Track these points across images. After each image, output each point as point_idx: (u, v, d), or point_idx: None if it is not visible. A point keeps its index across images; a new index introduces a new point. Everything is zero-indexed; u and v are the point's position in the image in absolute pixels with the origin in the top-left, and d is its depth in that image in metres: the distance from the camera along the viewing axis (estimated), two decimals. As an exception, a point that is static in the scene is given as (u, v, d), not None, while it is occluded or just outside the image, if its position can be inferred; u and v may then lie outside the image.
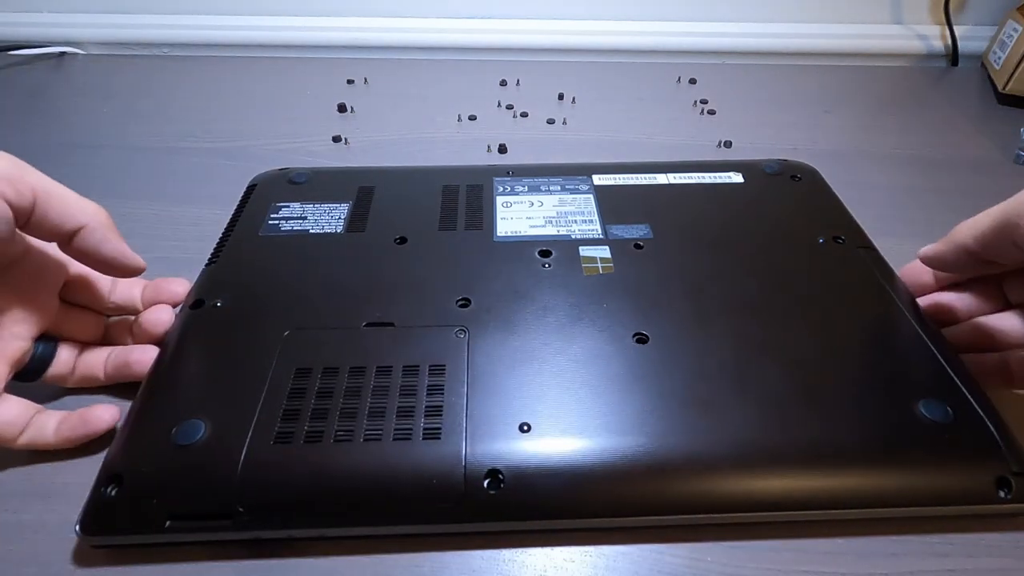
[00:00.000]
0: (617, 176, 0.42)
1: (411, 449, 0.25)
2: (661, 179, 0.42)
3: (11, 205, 0.24)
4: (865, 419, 0.27)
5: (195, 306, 0.32)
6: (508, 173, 0.42)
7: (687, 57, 0.69)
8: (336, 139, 0.53)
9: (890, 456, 0.26)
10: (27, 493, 0.27)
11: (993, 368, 0.30)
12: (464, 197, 0.40)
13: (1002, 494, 0.25)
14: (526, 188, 0.41)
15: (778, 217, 0.39)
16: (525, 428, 0.26)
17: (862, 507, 0.25)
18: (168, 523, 0.24)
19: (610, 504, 0.25)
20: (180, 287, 0.33)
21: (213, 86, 0.62)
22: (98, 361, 0.30)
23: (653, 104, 0.60)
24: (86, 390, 0.31)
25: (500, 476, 0.24)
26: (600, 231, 0.37)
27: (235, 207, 0.40)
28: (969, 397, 0.27)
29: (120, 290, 0.32)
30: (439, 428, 0.26)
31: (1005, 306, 0.31)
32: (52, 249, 0.29)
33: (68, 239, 0.27)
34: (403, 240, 0.36)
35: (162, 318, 0.31)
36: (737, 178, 0.42)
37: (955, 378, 0.28)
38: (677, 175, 0.42)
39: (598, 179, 0.42)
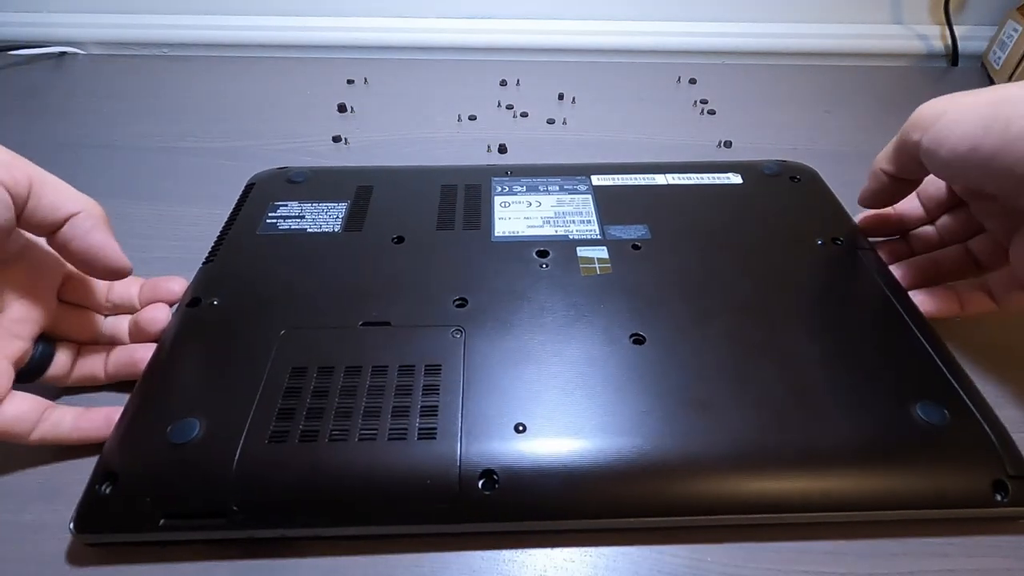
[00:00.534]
0: (616, 176, 0.42)
1: (406, 449, 0.25)
2: (660, 180, 0.42)
3: (8, 191, 0.24)
4: (862, 421, 0.27)
5: (192, 304, 0.32)
6: (506, 173, 0.42)
7: (687, 57, 0.69)
8: (336, 139, 0.53)
9: (886, 459, 0.26)
10: (26, 493, 0.27)
11: (940, 294, 0.33)
12: (462, 197, 0.40)
13: (999, 497, 0.25)
14: (524, 188, 0.41)
15: (776, 218, 0.38)
16: (520, 428, 0.26)
17: (859, 510, 0.25)
18: (162, 521, 0.24)
19: (606, 505, 0.25)
20: (177, 285, 0.33)
21: (213, 86, 0.62)
22: (97, 361, 0.30)
23: (653, 104, 0.60)
24: (85, 388, 0.31)
25: (495, 476, 0.24)
26: (598, 232, 0.37)
27: (234, 206, 0.40)
28: (966, 400, 0.27)
29: (118, 289, 0.32)
30: (434, 428, 0.26)
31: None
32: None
33: (57, 229, 0.26)
34: (400, 240, 0.36)
35: (159, 316, 0.31)
36: (736, 179, 0.42)
37: (952, 381, 0.28)
38: (676, 176, 0.42)
39: (596, 179, 0.42)
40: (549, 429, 0.26)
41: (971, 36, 0.67)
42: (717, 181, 0.42)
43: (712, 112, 0.58)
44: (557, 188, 0.41)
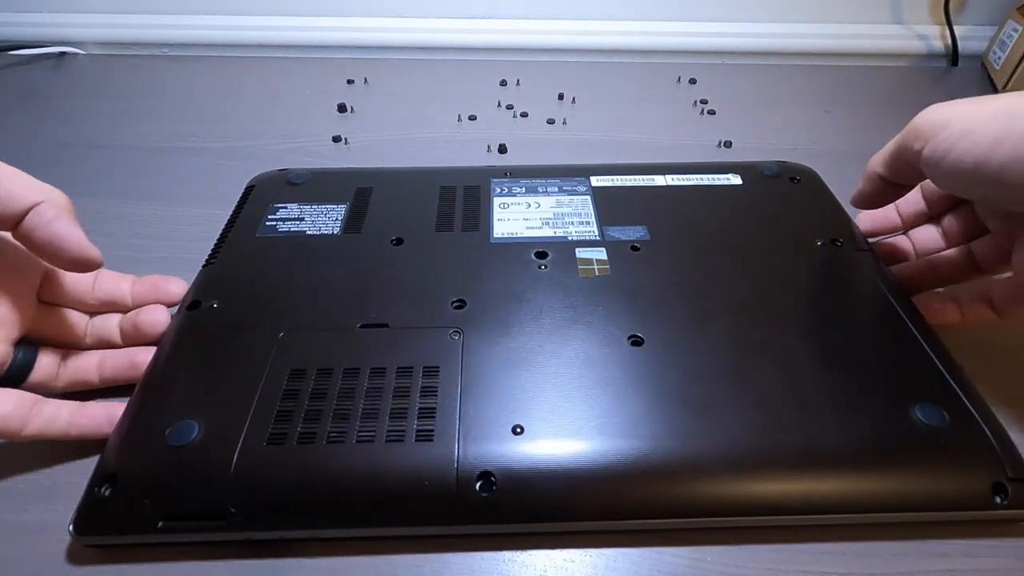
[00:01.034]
0: (615, 177, 0.42)
1: (403, 451, 0.25)
2: (659, 181, 0.42)
3: None
4: (861, 423, 0.26)
5: (192, 307, 0.32)
6: (506, 174, 0.42)
7: (687, 57, 0.69)
8: (336, 139, 0.53)
9: (885, 461, 0.25)
10: (25, 493, 0.27)
11: (941, 303, 0.33)
12: (461, 198, 0.40)
13: (998, 500, 0.25)
14: (523, 189, 0.41)
15: (776, 219, 0.38)
16: (518, 430, 0.26)
17: (858, 511, 0.25)
18: (161, 523, 0.24)
19: (604, 507, 0.25)
20: (177, 287, 0.32)
21: (213, 86, 0.62)
22: (89, 365, 0.29)
23: (653, 104, 0.60)
24: (80, 392, 0.30)
25: (492, 478, 0.24)
26: (597, 233, 0.37)
27: (233, 208, 0.40)
28: (966, 402, 0.27)
29: (105, 285, 0.31)
30: (432, 430, 0.26)
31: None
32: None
33: (19, 220, 0.25)
34: (399, 241, 0.36)
35: (159, 319, 0.30)
36: (735, 180, 0.42)
37: (952, 382, 0.28)
38: (675, 177, 0.42)
39: (596, 180, 0.42)
40: (547, 431, 0.26)
41: (971, 36, 0.67)
42: (716, 182, 0.42)
43: (712, 112, 0.58)
44: (556, 189, 0.41)
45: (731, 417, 0.26)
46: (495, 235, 0.37)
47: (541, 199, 0.40)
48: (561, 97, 0.60)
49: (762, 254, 0.35)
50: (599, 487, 0.25)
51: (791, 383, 0.28)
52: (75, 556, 0.25)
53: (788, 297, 0.33)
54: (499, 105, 0.59)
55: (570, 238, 0.36)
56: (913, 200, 0.36)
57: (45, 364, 0.28)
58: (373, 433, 0.25)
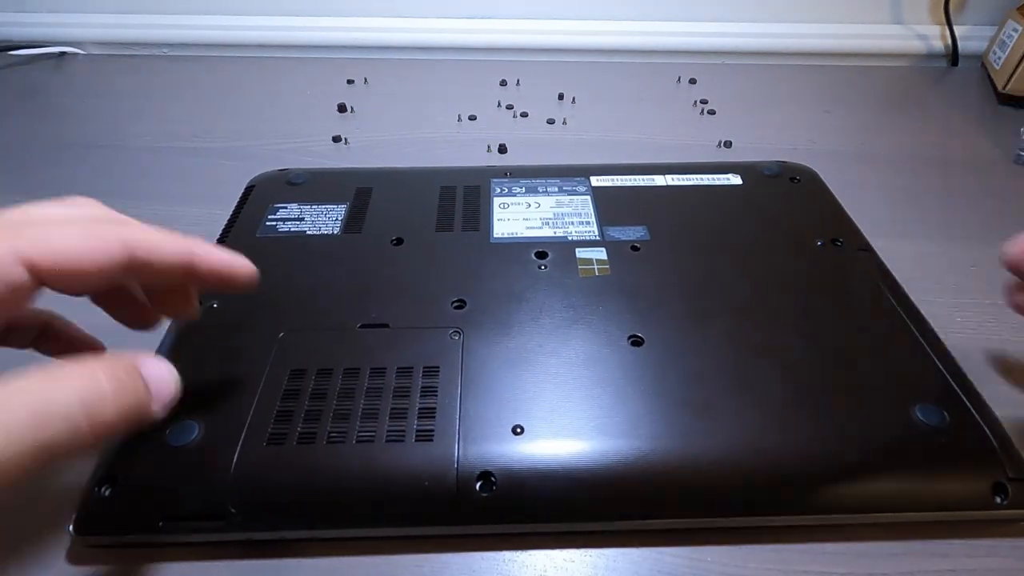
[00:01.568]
0: (615, 177, 0.42)
1: (403, 451, 0.25)
2: (659, 181, 0.42)
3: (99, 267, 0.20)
4: (861, 423, 0.26)
5: (191, 307, 0.32)
6: (506, 174, 0.42)
7: (687, 57, 0.69)
8: (336, 139, 0.53)
9: (885, 461, 0.25)
10: (26, 493, 0.27)
11: None
12: (461, 198, 0.40)
13: (998, 500, 0.25)
14: (523, 189, 0.41)
15: (776, 219, 0.38)
16: (518, 430, 0.26)
17: (858, 512, 0.25)
18: (161, 523, 0.24)
19: (604, 508, 0.25)
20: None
21: (213, 86, 0.62)
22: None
23: (653, 104, 0.60)
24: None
25: (492, 478, 0.24)
26: (597, 233, 0.37)
27: (233, 208, 0.40)
28: (966, 402, 0.27)
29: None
30: (432, 430, 0.26)
31: None
32: None
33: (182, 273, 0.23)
34: (399, 241, 0.36)
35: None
36: (735, 180, 0.42)
37: (952, 383, 0.28)
38: (675, 177, 0.42)
39: (596, 180, 0.42)
40: (547, 431, 0.26)
41: (971, 36, 0.67)
42: (716, 182, 0.42)
43: (712, 112, 0.58)
44: (556, 189, 0.41)
45: (731, 417, 0.26)
46: (495, 235, 0.37)
47: (541, 199, 0.40)
48: (561, 97, 0.60)
49: (762, 254, 0.35)
50: (599, 487, 0.25)
51: (791, 383, 0.28)
52: (75, 556, 0.25)
53: (788, 297, 0.33)
54: (499, 105, 0.59)
55: (570, 238, 0.36)
56: None
57: None
58: (373, 433, 0.25)
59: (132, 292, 0.26)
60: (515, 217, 0.38)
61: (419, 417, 0.26)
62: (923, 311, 0.32)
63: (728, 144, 0.52)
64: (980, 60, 0.66)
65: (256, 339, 0.30)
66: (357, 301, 0.32)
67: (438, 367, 0.28)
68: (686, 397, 0.27)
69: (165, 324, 0.32)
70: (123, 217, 0.23)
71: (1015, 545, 0.25)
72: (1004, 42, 0.61)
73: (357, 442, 0.25)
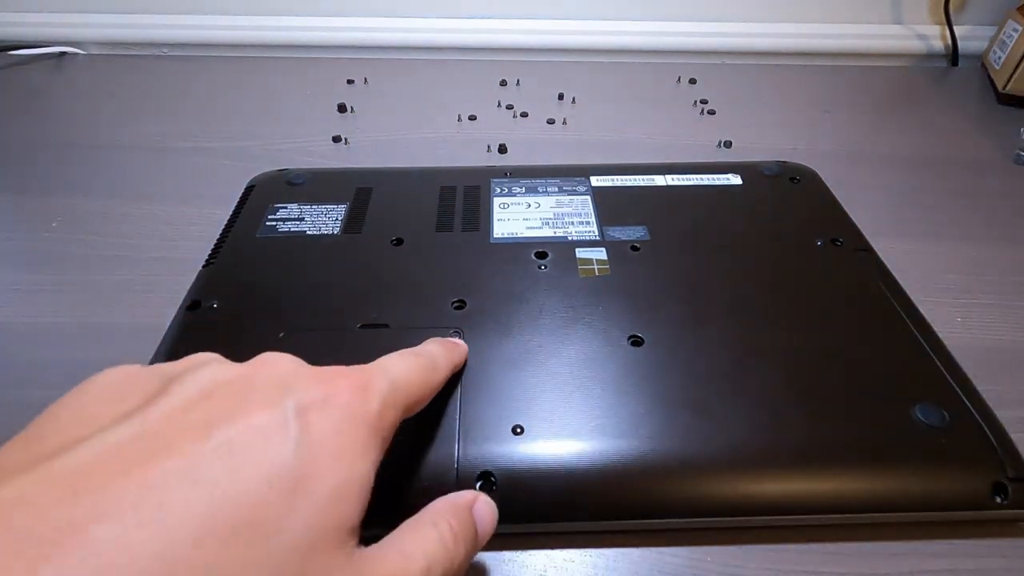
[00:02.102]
0: (615, 177, 0.42)
1: (403, 451, 0.25)
2: (659, 181, 0.42)
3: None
4: (861, 423, 0.26)
5: (192, 307, 0.32)
6: (506, 174, 0.42)
7: (687, 57, 0.69)
8: (336, 139, 0.53)
9: (885, 461, 0.25)
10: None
11: None
12: (461, 198, 0.40)
13: (998, 499, 0.25)
14: (523, 189, 0.41)
15: (776, 219, 0.38)
16: (518, 430, 0.26)
17: (858, 512, 0.25)
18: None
19: (604, 508, 0.25)
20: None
21: (213, 86, 0.62)
22: None
23: (653, 104, 0.60)
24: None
25: (492, 479, 0.24)
26: (597, 233, 0.37)
27: (233, 208, 0.40)
28: (966, 401, 0.27)
29: None
30: (431, 430, 0.26)
31: None
32: None
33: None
34: (399, 241, 0.36)
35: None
36: (735, 180, 0.42)
37: (952, 382, 0.28)
38: (675, 177, 0.42)
39: (596, 180, 0.42)
40: (547, 431, 0.26)
41: (971, 36, 0.67)
42: (716, 182, 0.42)
43: (712, 112, 0.58)
44: (556, 189, 0.41)
45: (731, 417, 0.26)
46: (495, 235, 0.37)
47: (541, 199, 0.40)
48: (561, 97, 0.60)
49: (762, 254, 0.35)
50: (600, 487, 0.25)
51: (791, 383, 0.28)
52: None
53: (788, 297, 0.33)
54: (499, 105, 0.59)
55: (570, 238, 0.36)
56: None
57: None
58: (373, 433, 0.25)
59: None
60: (515, 217, 0.38)
61: (419, 417, 0.26)
62: (923, 311, 0.32)
63: (728, 144, 0.52)
64: (980, 60, 0.66)
65: (257, 339, 0.30)
66: (357, 301, 0.32)
67: (438, 367, 0.28)
68: (686, 397, 0.27)
69: (165, 324, 0.32)
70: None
71: (1015, 545, 0.25)
72: (1004, 42, 0.61)
73: (357, 442, 0.25)
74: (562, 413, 0.27)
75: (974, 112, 0.58)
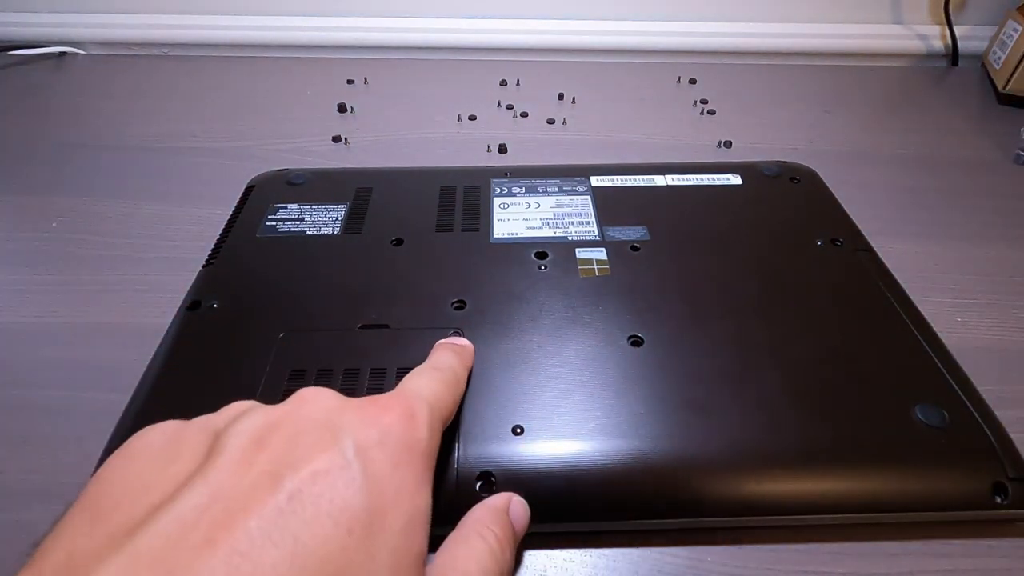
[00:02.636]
0: (615, 178, 0.42)
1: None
2: (659, 181, 0.42)
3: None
4: (861, 423, 0.27)
5: (192, 307, 0.32)
6: (506, 174, 0.42)
7: (687, 57, 0.69)
8: (336, 139, 0.53)
9: (885, 461, 0.25)
10: (25, 493, 0.27)
11: None
12: (461, 199, 0.40)
13: (998, 499, 0.25)
14: (523, 189, 0.41)
15: (776, 219, 0.38)
16: (518, 431, 0.26)
17: (858, 512, 0.25)
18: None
19: (604, 508, 0.25)
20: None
21: (213, 86, 0.62)
22: None
23: (653, 104, 0.60)
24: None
25: (492, 479, 0.24)
26: (597, 233, 0.37)
27: (233, 208, 0.40)
28: (966, 401, 0.27)
29: None
30: (432, 430, 0.26)
31: None
32: None
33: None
34: (399, 242, 0.36)
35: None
36: (735, 180, 0.42)
37: (952, 382, 0.28)
38: (675, 177, 0.42)
39: (595, 180, 0.42)
40: (547, 431, 0.26)
41: (971, 36, 0.67)
42: (716, 182, 0.42)
43: (712, 112, 0.58)
44: (556, 189, 0.41)
45: (731, 417, 0.26)
46: (495, 235, 0.37)
47: (541, 199, 0.40)
48: (561, 97, 0.60)
49: (762, 254, 0.35)
50: (600, 487, 0.25)
51: (791, 383, 0.28)
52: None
53: (788, 297, 0.33)
54: (499, 105, 0.59)
55: (570, 238, 0.36)
56: None
57: None
58: (373, 433, 0.25)
59: None
60: (515, 217, 0.38)
61: (419, 417, 0.26)
62: (923, 311, 0.32)
63: (728, 144, 0.52)
64: (980, 60, 0.66)
65: (256, 339, 0.30)
66: (357, 301, 0.32)
67: (438, 367, 0.28)
68: (686, 397, 0.27)
69: (165, 324, 0.32)
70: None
71: (1015, 545, 0.25)
72: (1004, 42, 0.61)
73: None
74: (562, 413, 0.27)
75: (974, 112, 0.58)
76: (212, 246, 0.36)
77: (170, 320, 0.32)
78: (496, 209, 0.39)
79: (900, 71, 0.67)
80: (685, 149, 0.52)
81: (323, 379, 0.28)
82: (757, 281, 0.33)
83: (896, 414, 0.27)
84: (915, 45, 0.68)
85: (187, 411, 0.26)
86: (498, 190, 0.41)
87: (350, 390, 0.27)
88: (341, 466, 0.18)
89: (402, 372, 0.28)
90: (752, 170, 0.43)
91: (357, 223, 0.38)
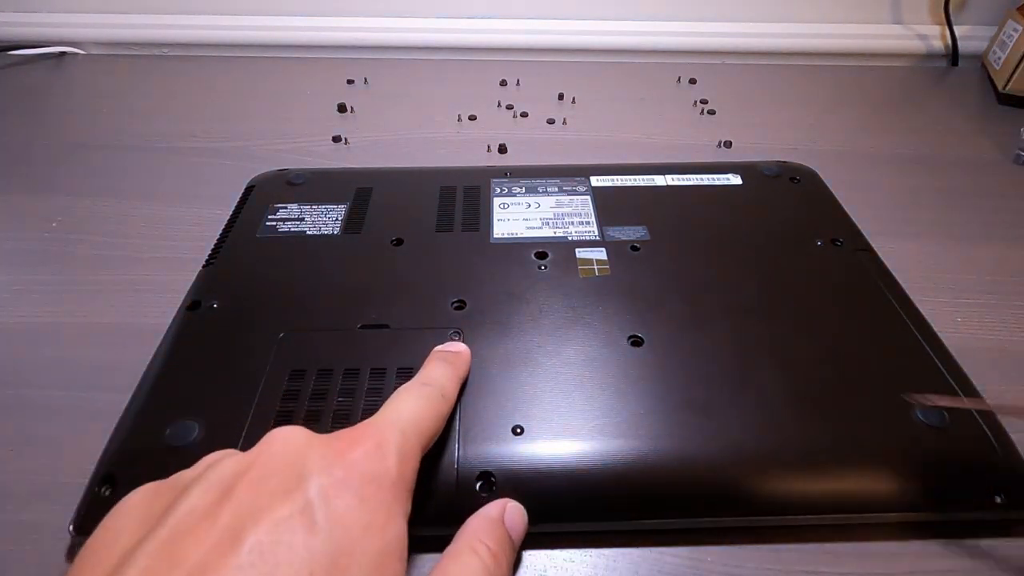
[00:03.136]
0: (615, 178, 0.42)
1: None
2: (659, 181, 0.42)
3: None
4: (861, 423, 0.27)
5: (192, 307, 0.32)
6: (506, 174, 0.42)
7: (687, 57, 0.69)
8: (336, 139, 0.53)
9: (885, 461, 0.25)
10: (26, 493, 0.27)
11: None
12: (461, 199, 0.40)
13: (998, 499, 0.25)
14: (523, 189, 0.41)
15: (776, 219, 0.38)
16: (518, 431, 0.26)
17: (858, 511, 0.25)
18: (161, 524, 0.24)
19: (603, 508, 0.25)
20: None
21: (213, 86, 0.62)
22: None
23: (653, 104, 0.60)
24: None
25: (492, 479, 0.24)
26: (597, 233, 0.37)
27: (233, 208, 0.40)
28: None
29: None
30: (432, 430, 0.26)
31: None
32: None
33: None
34: (399, 242, 0.36)
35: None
36: (735, 180, 0.42)
37: (951, 382, 0.28)
38: (675, 177, 0.42)
39: (596, 180, 0.42)
40: (547, 431, 0.26)
41: (971, 36, 0.67)
42: (716, 182, 0.42)
43: (712, 112, 0.58)
44: (556, 189, 0.41)
45: (731, 417, 0.26)
46: (495, 235, 0.37)
47: (541, 199, 0.40)
48: (561, 97, 0.60)
49: (762, 254, 0.35)
50: (599, 487, 0.25)
51: (791, 383, 0.28)
52: (75, 556, 0.24)
53: (788, 297, 0.33)
54: (499, 105, 0.59)
55: (570, 238, 0.36)
56: None
57: None
58: (373, 433, 0.25)
59: None
60: (515, 217, 0.38)
61: (419, 417, 0.26)
62: (923, 311, 0.32)
63: (728, 144, 0.52)
64: (980, 60, 0.66)
65: (256, 339, 0.30)
66: (357, 301, 0.32)
67: (438, 367, 0.28)
68: (686, 397, 0.27)
69: (165, 324, 0.32)
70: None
71: (1015, 545, 0.25)
72: (1004, 42, 0.61)
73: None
74: (562, 413, 0.27)
75: (974, 112, 0.58)
76: (212, 246, 0.37)
77: (170, 320, 0.32)
78: (496, 209, 0.39)
79: (900, 71, 0.67)
80: (685, 149, 0.52)
81: (323, 379, 0.28)
82: (757, 281, 0.33)
83: (896, 414, 0.27)
84: (915, 45, 0.68)
85: (187, 412, 0.26)
86: (498, 190, 0.41)
87: (350, 390, 0.27)
88: (302, 511, 0.17)
89: (402, 372, 0.28)
90: (752, 170, 0.43)
91: (357, 223, 0.38)
